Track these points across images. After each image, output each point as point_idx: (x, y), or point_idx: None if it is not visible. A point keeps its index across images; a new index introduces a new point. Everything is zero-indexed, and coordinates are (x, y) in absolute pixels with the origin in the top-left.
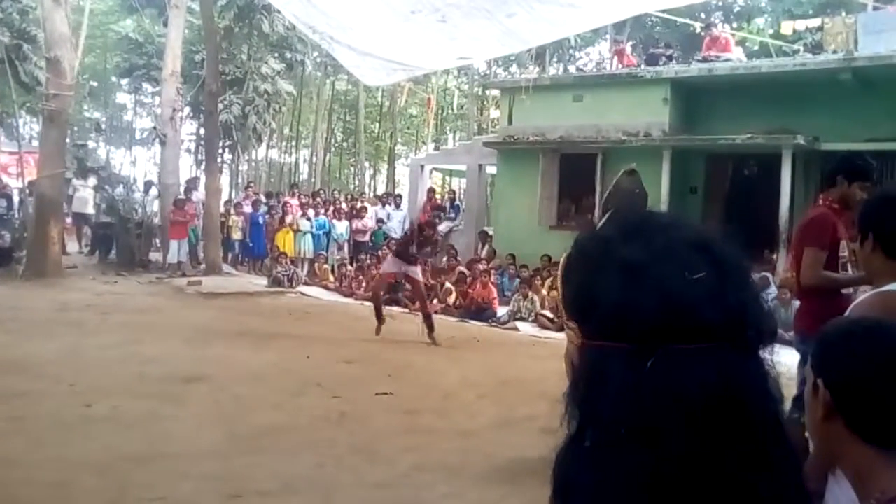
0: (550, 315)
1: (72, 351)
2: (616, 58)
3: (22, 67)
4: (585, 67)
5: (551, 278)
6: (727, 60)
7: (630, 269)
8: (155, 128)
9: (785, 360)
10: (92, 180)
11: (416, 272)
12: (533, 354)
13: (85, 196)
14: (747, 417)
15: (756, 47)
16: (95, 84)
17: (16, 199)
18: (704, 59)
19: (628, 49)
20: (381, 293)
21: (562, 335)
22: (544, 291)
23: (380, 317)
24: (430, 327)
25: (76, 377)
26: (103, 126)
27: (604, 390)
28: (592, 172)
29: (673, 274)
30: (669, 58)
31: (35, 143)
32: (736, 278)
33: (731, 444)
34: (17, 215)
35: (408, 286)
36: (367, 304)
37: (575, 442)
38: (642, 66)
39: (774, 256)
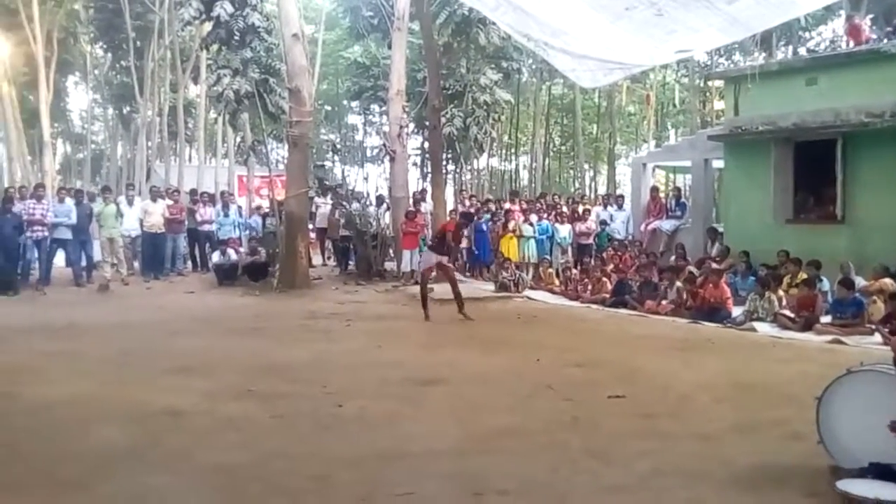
0: (791, 314)
1: (321, 355)
2: (849, 36)
3: (269, 99)
4: (818, 48)
5: (790, 275)
6: None
7: None
8: (384, 145)
9: None
10: (331, 197)
11: (444, 260)
12: (773, 357)
13: (326, 212)
14: None
15: None
16: (329, 108)
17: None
18: None
19: (867, 23)
20: (427, 283)
21: (805, 336)
22: (782, 290)
23: (426, 306)
24: (461, 305)
25: (327, 380)
26: (338, 146)
27: None
28: (831, 160)
29: None
30: None
31: (281, 166)
32: None
33: None
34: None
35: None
36: (594, 306)
37: None
38: (885, 42)
39: None
